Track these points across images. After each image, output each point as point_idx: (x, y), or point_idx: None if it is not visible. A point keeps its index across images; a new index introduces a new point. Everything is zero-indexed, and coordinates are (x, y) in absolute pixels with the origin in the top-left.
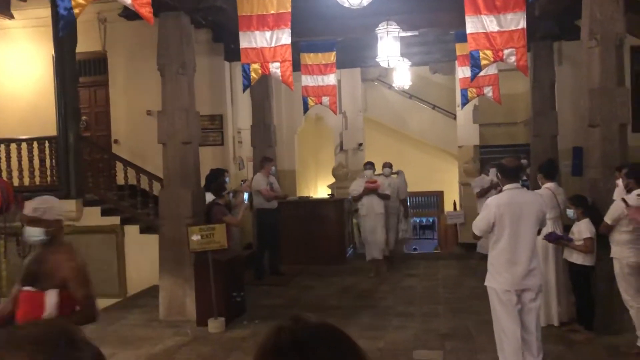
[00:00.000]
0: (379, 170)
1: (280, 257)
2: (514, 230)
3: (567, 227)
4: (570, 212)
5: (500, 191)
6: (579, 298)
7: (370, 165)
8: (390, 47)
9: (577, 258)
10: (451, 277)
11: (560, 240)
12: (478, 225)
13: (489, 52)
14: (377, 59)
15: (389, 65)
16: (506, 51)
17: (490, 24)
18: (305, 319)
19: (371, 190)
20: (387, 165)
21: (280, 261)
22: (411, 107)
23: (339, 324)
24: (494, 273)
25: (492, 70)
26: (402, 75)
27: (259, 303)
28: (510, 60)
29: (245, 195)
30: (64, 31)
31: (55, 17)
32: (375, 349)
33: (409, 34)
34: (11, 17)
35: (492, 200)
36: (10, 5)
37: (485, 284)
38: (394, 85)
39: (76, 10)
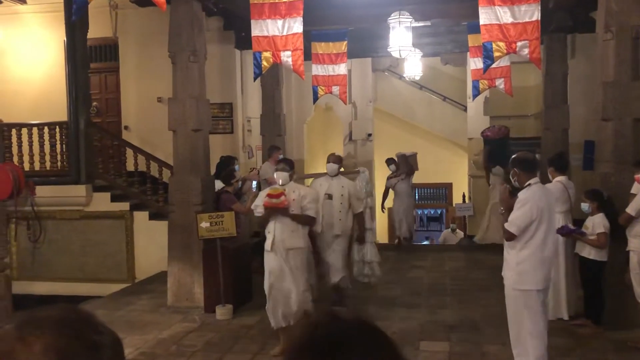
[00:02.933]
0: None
1: None
2: (548, 224)
3: (577, 222)
4: (585, 206)
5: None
6: (588, 292)
7: (285, 164)
8: (402, 37)
9: (589, 252)
10: (458, 269)
11: (572, 233)
12: (519, 223)
13: (502, 44)
14: (389, 49)
15: (400, 56)
16: (519, 43)
17: (504, 15)
18: (342, 315)
19: (273, 209)
20: (333, 159)
21: None
22: (421, 98)
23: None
24: (531, 272)
25: (504, 62)
26: (413, 65)
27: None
28: (523, 53)
29: (254, 184)
30: (76, 16)
31: (68, 2)
32: None
33: (420, 24)
34: (23, 2)
35: (530, 195)
36: None
37: (519, 287)
38: (404, 75)
39: None
